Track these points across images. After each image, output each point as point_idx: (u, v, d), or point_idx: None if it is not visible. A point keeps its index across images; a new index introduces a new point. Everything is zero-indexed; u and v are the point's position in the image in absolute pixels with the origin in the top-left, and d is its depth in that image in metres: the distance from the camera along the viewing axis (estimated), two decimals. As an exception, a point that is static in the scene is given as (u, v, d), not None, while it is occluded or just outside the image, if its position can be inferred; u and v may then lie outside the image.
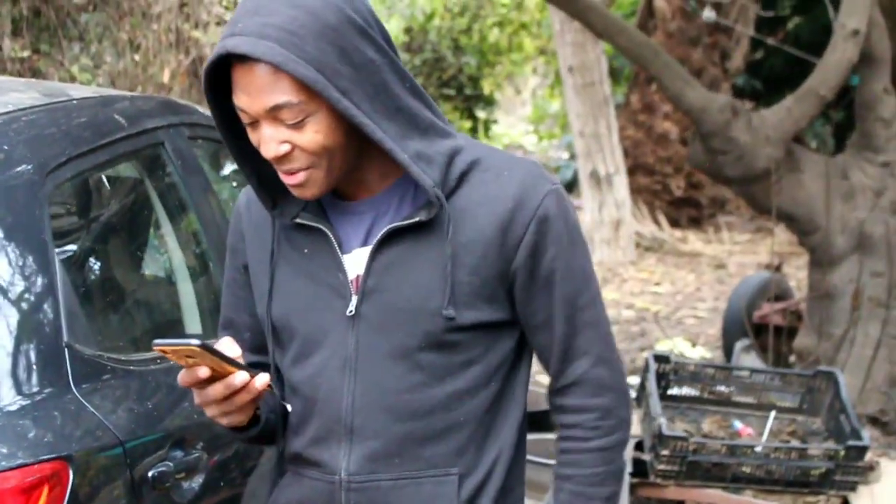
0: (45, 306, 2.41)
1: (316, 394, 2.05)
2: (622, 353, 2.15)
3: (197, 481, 2.62)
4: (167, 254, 3.11)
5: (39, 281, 2.42)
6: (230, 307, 2.22)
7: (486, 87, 19.20)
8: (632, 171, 13.66)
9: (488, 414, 2.07)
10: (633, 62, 6.65)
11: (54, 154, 2.61)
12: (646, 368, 5.15)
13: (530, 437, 4.37)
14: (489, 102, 19.39)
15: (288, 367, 2.10)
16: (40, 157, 2.56)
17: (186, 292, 3.11)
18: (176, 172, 3.11)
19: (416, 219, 1.97)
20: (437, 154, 1.96)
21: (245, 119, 1.93)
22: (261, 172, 2.04)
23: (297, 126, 1.90)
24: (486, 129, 19.39)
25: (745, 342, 6.47)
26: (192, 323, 3.12)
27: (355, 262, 2.02)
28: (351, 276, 2.02)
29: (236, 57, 1.88)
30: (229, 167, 3.77)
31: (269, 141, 1.91)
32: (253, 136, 1.95)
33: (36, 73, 10.19)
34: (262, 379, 1.94)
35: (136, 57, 10.56)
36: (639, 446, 4.84)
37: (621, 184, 12.40)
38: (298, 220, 2.04)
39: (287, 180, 1.96)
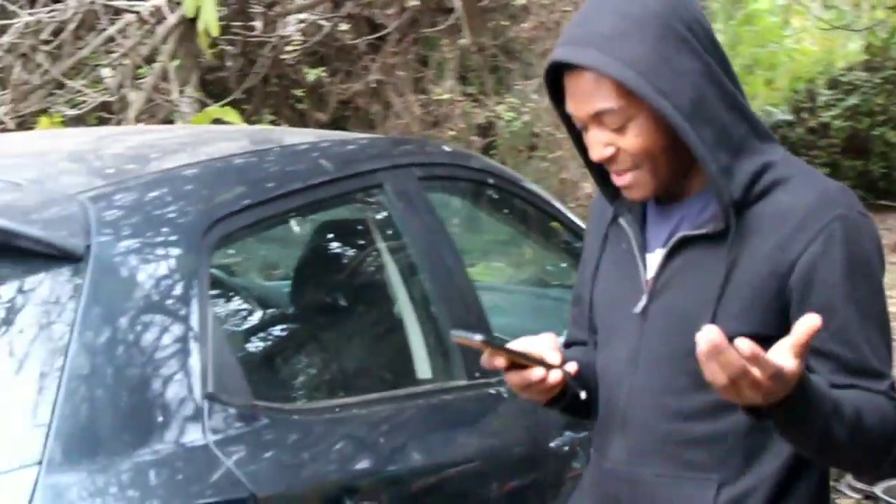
0: (189, 357, 2.41)
1: (605, 381, 2.20)
2: None
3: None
4: (380, 294, 3.07)
5: (187, 331, 2.44)
6: (580, 284, 2.35)
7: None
8: None
9: (756, 431, 2.02)
10: None
11: (226, 202, 2.63)
12: None
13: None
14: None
15: (598, 351, 2.24)
16: (209, 207, 2.59)
17: (410, 333, 3.05)
18: (395, 213, 3.05)
19: (704, 230, 2.04)
20: (742, 172, 2.00)
21: (577, 123, 2.08)
22: (605, 171, 2.14)
23: (620, 130, 2.01)
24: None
25: None
26: (421, 366, 3.06)
27: (655, 262, 2.12)
28: (649, 275, 2.11)
29: (566, 66, 2.02)
30: (490, 201, 3.68)
31: (595, 144, 2.05)
32: (585, 139, 2.09)
33: (465, 114, 10.54)
34: (556, 375, 2.07)
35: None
36: None
37: None
38: (620, 220, 2.18)
39: (617, 181, 2.09)
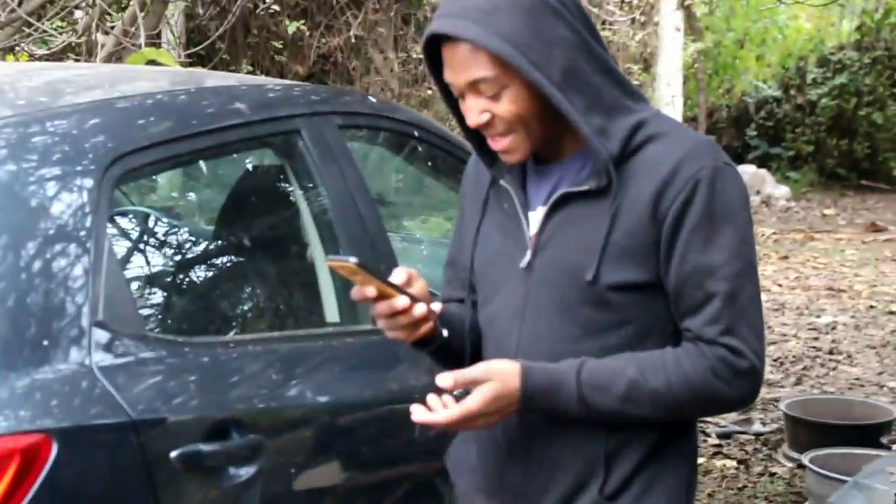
0: (81, 285, 2.49)
1: (491, 334, 2.31)
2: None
3: (250, 468, 2.60)
4: (290, 238, 3.13)
5: (81, 262, 2.51)
6: (454, 248, 2.49)
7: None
8: None
9: None
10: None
11: (132, 138, 2.69)
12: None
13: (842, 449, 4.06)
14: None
15: (479, 308, 2.37)
16: (115, 141, 2.65)
17: (319, 277, 3.11)
18: (311, 159, 3.11)
19: (586, 186, 2.17)
20: (618, 129, 2.13)
21: (455, 92, 2.20)
22: (482, 138, 2.26)
23: (495, 97, 2.14)
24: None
25: None
26: (329, 309, 3.13)
27: (537, 219, 2.24)
28: (532, 231, 2.23)
29: (443, 37, 2.14)
30: (411, 153, 3.75)
31: (471, 111, 2.17)
32: (462, 107, 2.21)
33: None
34: (420, 308, 2.18)
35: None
36: None
37: None
38: (501, 182, 2.29)
39: (494, 146, 2.22)
